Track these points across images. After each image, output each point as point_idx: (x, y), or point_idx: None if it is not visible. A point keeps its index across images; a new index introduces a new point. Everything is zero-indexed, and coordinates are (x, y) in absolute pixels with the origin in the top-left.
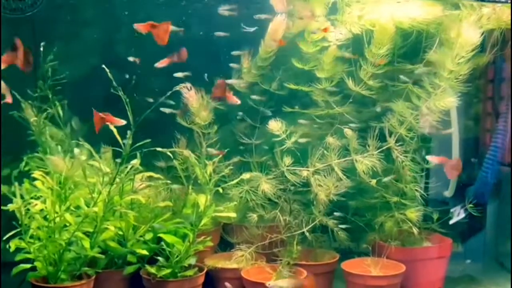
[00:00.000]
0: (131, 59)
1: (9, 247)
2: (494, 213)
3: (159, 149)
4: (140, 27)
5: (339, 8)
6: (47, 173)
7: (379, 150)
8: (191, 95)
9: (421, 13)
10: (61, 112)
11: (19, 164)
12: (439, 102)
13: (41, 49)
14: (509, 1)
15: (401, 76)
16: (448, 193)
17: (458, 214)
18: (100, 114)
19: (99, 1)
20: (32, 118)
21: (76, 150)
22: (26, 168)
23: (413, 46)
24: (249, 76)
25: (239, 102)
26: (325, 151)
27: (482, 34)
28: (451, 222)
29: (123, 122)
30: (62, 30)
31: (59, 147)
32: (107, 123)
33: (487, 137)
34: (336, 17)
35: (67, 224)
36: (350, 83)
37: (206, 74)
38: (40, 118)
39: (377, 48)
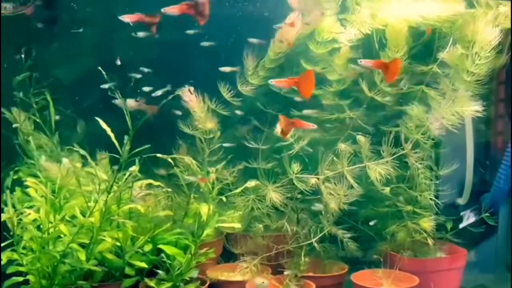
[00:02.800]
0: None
1: (1, 259)
2: (506, 219)
3: (159, 155)
4: None
5: (349, 7)
6: (40, 181)
7: (393, 157)
8: (192, 99)
9: (434, 11)
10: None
11: (10, 171)
12: (461, 109)
13: (22, 55)
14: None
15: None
16: (461, 201)
17: (468, 218)
18: (289, 119)
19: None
20: (16, 124)
21: (64, 160)
22: (16, 177)
23: (425, 46)
24: (255, 78)
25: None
26: (335, 158)
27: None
28: (461, 225)
29: (313, 126)
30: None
31: (46, 155)
32: (298, 127)
33: (500, 141)
34: (345, 17)
35: (62, 235)
36: (364, 87)
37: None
38: (26, 124)
39: (393, 51)
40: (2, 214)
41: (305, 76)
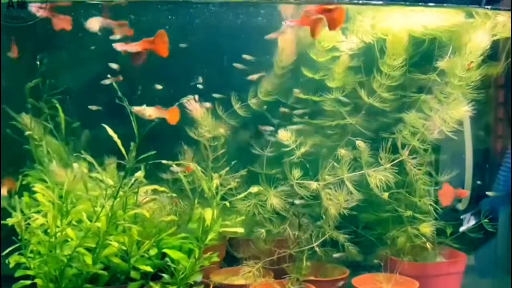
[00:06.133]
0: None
1: (9, 262)
2: (507, 224)
3: (164, 161)
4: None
5: (350, 16)
6: (48, 187)
7: (392, 163)
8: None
9: (434, 22)
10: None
11: (19, 176)
12: (453, 112)
13: (38, 62)
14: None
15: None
16: (461, 206)
17: (468, 221)
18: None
19: None
20: (28, 132)
21: (75, 165)
22: (25, 182)
23: (424, 55)
24: (266, 95)
25: None
26: (335, 164)
27: (497, 42)
28: (461, 229)
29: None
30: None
31: (56, 161)
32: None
33: (499, 145)
34: (347, 25)
35: (69, 239)
36: (363, 94)
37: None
38: (37, 131)
39: (392, 59)
40: (10, 219)
41: (159, 36)
